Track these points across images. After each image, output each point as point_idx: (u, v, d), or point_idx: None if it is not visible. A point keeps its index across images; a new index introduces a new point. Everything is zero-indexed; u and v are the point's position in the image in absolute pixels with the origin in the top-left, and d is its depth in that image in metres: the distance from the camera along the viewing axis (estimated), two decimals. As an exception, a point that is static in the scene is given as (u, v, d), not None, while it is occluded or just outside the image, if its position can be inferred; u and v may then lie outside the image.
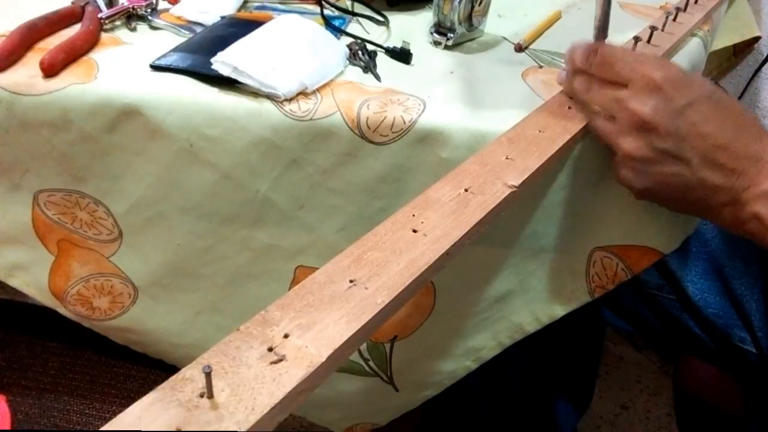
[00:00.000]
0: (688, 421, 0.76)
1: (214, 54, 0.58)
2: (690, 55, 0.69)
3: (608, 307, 0.81)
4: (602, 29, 0.56)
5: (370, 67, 0.64)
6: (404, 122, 0.56)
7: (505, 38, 0.73)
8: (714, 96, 0.50)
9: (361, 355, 0.72)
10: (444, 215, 0.42)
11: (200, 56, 0.60)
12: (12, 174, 0.63)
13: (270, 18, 0.67)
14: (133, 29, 0.68)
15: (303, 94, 0.58)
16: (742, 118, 0.50)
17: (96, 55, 0.62)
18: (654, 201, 0.54)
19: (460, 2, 0.66)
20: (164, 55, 0.62)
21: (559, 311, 0.65)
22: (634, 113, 0.49)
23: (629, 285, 0.63)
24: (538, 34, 0.73)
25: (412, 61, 0.66)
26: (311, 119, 0.57)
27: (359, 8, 0.77)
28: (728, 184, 0.48)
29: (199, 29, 0.69)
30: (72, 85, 0.58)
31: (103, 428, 0.27)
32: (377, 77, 0.63)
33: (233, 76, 0.57)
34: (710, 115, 0.49)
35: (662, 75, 0.49)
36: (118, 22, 0.69)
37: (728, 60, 1.21)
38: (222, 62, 0.57)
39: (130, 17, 0.69)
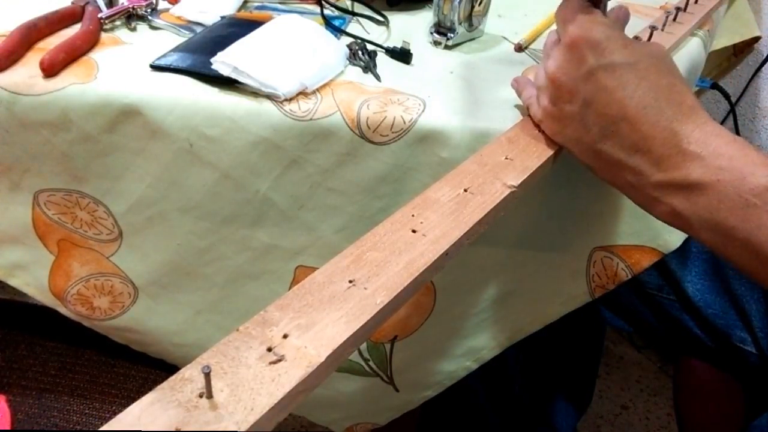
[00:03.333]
0: (688, 421, 0.75)
1: (214, 54, 0.58)
2: (690, 55, 0.69)
3: (608, 307, 0.81)
4: None
5: (370, 67, 0.64)
6: (404, 122, 0.56)
7: (505, 38, 0.73)
8: (641, 63, 0.44)
9: (361, 355, 0.72)
10: (443, 215, 0.42)
11: (200, 56, 0.60)
12: (12, 174, 0.63)
13: (270, 18, 0.67)
14: (133, 29, 0.68)
15: (303, 94, 0.58)
16: (672, 92, 0.43)
17: (96, 55, 0.62)
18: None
19: (460, 2, 0.66)
20: (164, 55, 0.62)
21: (559, 311, 0.65)
22: (545, 69, 0.48)
23: (629, 285, 0.63)
24: (538, 34, 0.73)
25: (412, 61, 0.66)
26: (311, 119, 0.57)
27: (359, 8, 0.77)
28: (630, 162, 0.43)
29: (199, 29, 0.69)
30: (72, 85, 0.58)
31: (102, 428, 0.27)
32: (377, 77, 0.63)
33: (233, 76, 0.57)
34: (627, 81, 0.43)
35: (581, 33, 0.45)
36: (118, 22, 0.69)
37: (728, 60, 1.21)
38: (222, 62, 0.57)
39: (130, 17, 0.69)
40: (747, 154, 0.39)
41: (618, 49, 0.44)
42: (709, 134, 0.41)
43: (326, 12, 0.74)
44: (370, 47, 0.67)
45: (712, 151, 0.40)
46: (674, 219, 0.42)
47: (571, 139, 0.47)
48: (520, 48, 0.70)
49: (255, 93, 0.58)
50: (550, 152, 0.50)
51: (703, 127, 0.41)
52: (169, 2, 0.74)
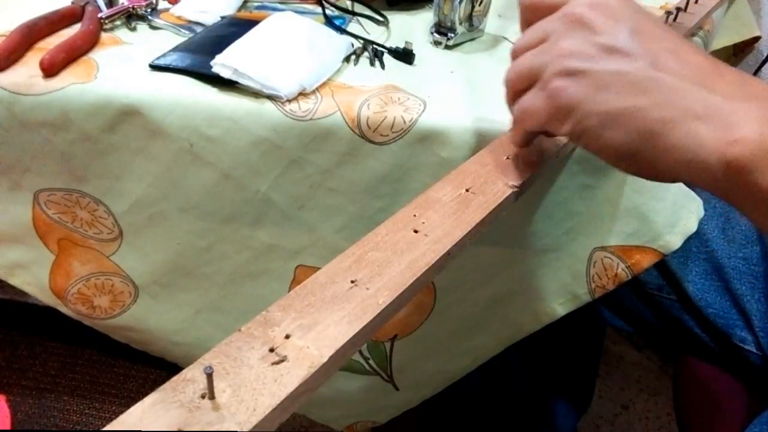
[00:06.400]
0: (688, 421, 0.76)
1: (213, 54, 0.58)
2: (690, 55, 0.69)
3: (608, 307, 0.81)
4: None
5: (376, 57, 0.65)
6: (404, 122, 0.56)
7: (505, 38, 0.73)
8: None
9: (362, 354, 0.72)
10: (445, 215, 0.42)
11: (200, 56, 0.60)
12: (12, 173, 0.63)
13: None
14: (133, 29, 0.68)
15: (303, 94, 0.58)
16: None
17: (96, 54, 0.62)
18: (590, 139, 0.40)
19: (460, 2, 0.66)
20: (164, 55, 0.62)
21: (559, 311, 0.65)
22: (566, 15, 0.41)
23: (629, 285, 0.63)
24: (538, 34, 0.73)
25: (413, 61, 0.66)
26: (311, 119, 0.57)
27: (359, 8, 0.77)
28: (694, 90, 0.36)
29: (199, 29, 0.69)
30: (72, 84, 0.58)
31: (104, 429, 0.27)
32: (382, 65, 0.64)
33: (234, 78, 0.57)
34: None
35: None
36: (118, 22, 0.69)
37: (728, 60, 1.21)
38: (222, 65, 0.57)
39: (130, 17, 0.69)
40: None
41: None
42: None
43: (326, 12, 0.74)
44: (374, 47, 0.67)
45: None
46: (757, 152, 0.34)
47: (611, 71, 0.38)
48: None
49: (255, 93, 0.58)
50: (551, 152, 0.50)
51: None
52: (169, 2, 0.74)
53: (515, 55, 0.45)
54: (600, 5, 0.40)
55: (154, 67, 0.60)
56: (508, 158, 0.49)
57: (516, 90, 0.44)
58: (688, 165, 0.36)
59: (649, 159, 0.38)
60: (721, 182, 0.35)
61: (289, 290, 0.36)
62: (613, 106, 0.38)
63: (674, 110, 0.36)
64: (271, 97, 0.57)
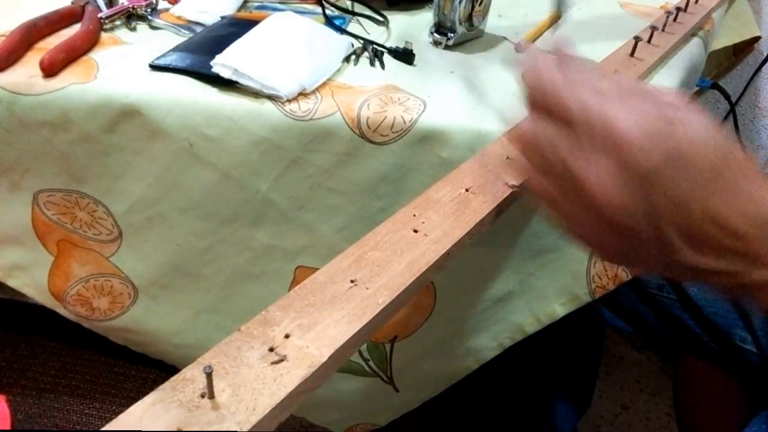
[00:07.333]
0: (688, 421, 0.75)
1: (213, 54, 0.58)
2: (690, 55, 0.69)
3: (608, 307, 0.80)
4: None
5: (376, 57, 0.65)
6: (404, 122, 0.56)
7: (505, 38, 0.73)
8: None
9: (362, 356, 0.72)
10: (445, 215, 0.42)
11: (200, 56, 0.60)
12: (12, 174, 0.63)
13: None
14: (133, 29, 0.68)
15: (303, 94, 0.58)
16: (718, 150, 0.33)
17: (96, 54, 0.62)
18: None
19: (460, 2, 0.66)
20: (164, 55, 0.62)
21: (560, 311, 0.65)
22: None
23: (629, 285, 0.63)
24: (538, 34, 0.73)
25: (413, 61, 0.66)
26: (311, 119, 0.57)
27: (359, 8, 0.77)
28: (720, 267, 0.34)
29: (199, 29, 0.69)
30: (72, 84, 0.58)
31: (104, 428, 0.27)
32: (382, 65, 0.64)
33: (234, 78, 0.57)
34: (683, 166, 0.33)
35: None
36: (118, 22, 0.69)
37: (728, 60, 1.21)
38: (222, 65, 0.57)
39: (130, 17, 0.69)
40: None
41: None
42: None
43: (326, 12, 0.74)
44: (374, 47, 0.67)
45: None
46: None
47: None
48: (520, 48, 0.70)
49: (255, 93, 0.58)
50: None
51: None
52: (169, 2, 0.74)
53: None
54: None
55: (154, 67, 0.60)
56: (508, 158, 0.49)
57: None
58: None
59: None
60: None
61: (289, 291, 0.36)
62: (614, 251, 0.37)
63: (671, 272, 0.37)
64: (271, 97, 0.57)
